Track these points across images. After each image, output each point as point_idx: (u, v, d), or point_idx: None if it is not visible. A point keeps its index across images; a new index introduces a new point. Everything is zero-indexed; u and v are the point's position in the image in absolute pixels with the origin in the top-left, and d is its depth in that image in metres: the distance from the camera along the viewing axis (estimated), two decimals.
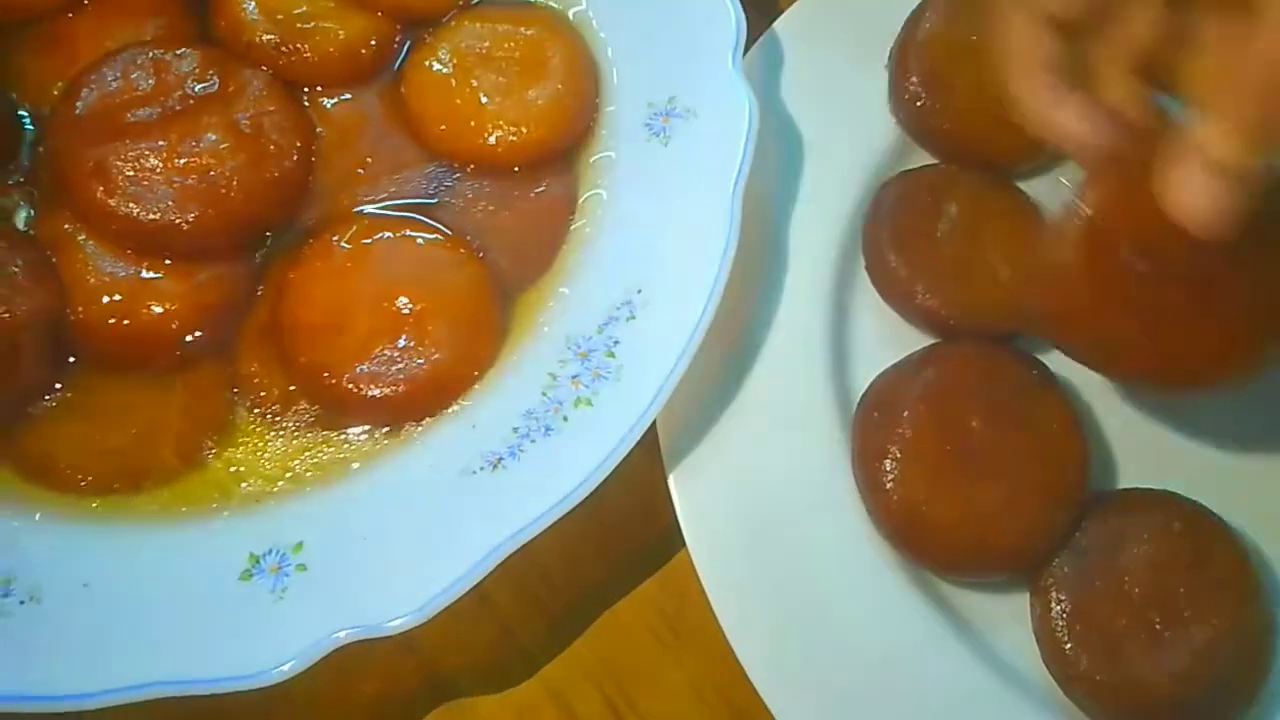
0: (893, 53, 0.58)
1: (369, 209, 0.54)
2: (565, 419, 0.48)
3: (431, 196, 0.54)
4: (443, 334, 0.51)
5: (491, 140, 0.54)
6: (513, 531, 0.45)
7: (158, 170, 0.51)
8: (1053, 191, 0.57)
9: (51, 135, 0.53)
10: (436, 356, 0.50)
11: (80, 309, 0.50)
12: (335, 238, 0.52)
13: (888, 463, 0.48)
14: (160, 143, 0.51)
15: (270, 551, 0.46)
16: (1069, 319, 0.47)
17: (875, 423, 0.50)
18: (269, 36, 0.55)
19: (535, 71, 0.55)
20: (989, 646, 0.49)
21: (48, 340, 0.50)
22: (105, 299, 0.50)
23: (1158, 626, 0.46)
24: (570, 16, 0.58)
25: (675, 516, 0.49)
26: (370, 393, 0.50)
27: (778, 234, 0.55)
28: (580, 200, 0.54)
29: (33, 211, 0.53)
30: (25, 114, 0.55)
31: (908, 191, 0.54)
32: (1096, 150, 0.43)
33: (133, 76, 0.53)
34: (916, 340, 0.53)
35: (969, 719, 0.48)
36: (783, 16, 0.58)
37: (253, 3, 0.56)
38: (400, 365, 0.50)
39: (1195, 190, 0.39)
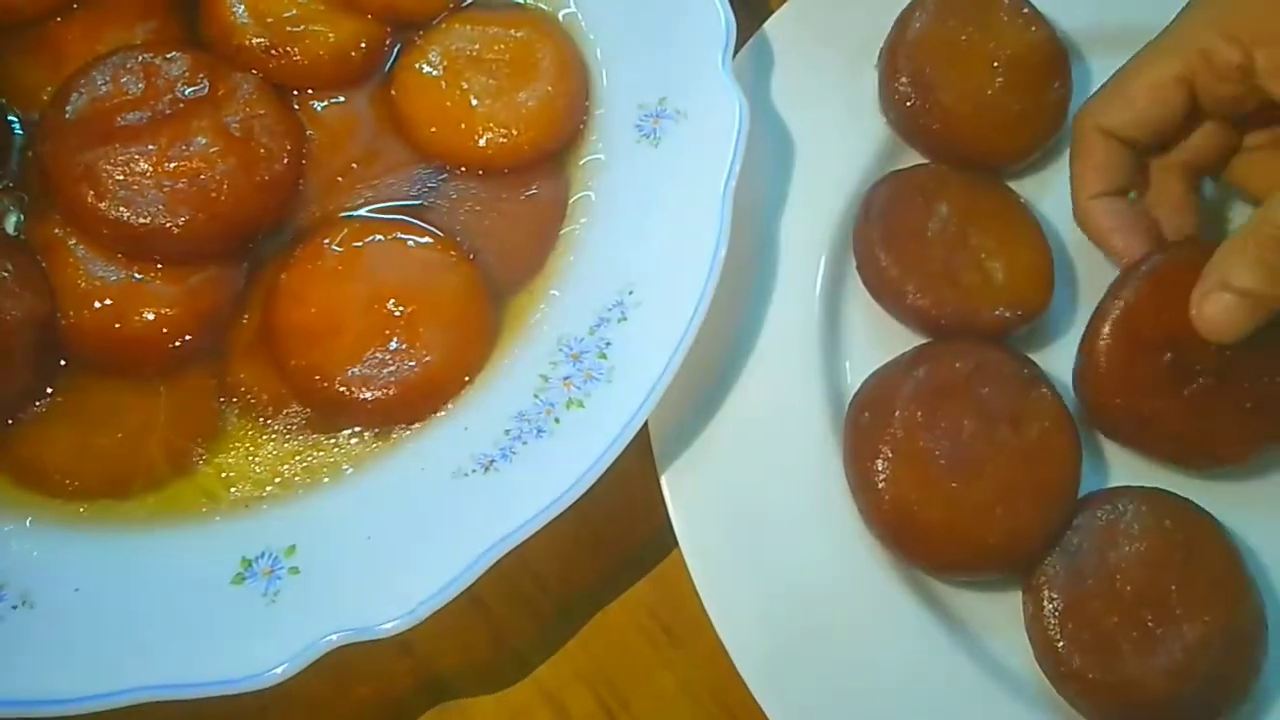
0: (882, 53, 0.58)
1: (360, 211, 0.54)
2: (557, 420, 0.48)
3: (422, 199, 0.54)
4: (434, 336, 0.51)
5: (482, 142, 0.54)
6: (505, 533, 0.45)
7: (148, 174, 0.51)
8: (1042, 191, 0.57)
9: (41, 140, 0.52)
10: (428, 359, 0.50)
11: (71, 313, 0.50)
12: (326, 240, 0.52)
13: (879, 463, 0.48)
14: (150, 146, 0.51)
15: (262, 555, 0.46)
16: (1106, 399, 0.50)
17: (867, 423, 0.50)
18: (258, 40, 0.55)
19: (525, 74, 0.55)
20: (982, 646, 0.49)
21: (39, 345, 0.50)
22: (96, 303, 0.51)
23: (1150, 624, 0.46)
24: (560, 18, 0.58)
25: (667, 517, 0.49)
26: (362, 395, 0.50)
27: (768, 234, 0.55)
28: (571, 201, 0.54)
29: (23, 216, 0.53)
30: (15, 119, 0.55)
31: (898, 191, 0.55)
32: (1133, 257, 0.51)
33: (122, 80, 0.53)
34: (908, 340, 0.53)
35: (963, 719, 0.48)
36: (772, 17, 0.59)
37: (242, 6, 0.56)
38: (392, 368, 0.50)
39: (1214, 306, 0.46)
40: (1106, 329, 0.50)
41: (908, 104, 0.56)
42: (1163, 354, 0.49)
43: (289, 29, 0.56)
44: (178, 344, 0.51)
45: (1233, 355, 0.49)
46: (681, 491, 0.50)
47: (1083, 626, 0.46)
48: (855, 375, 0.53)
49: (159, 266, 0.51)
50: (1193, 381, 0.49)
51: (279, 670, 0.43)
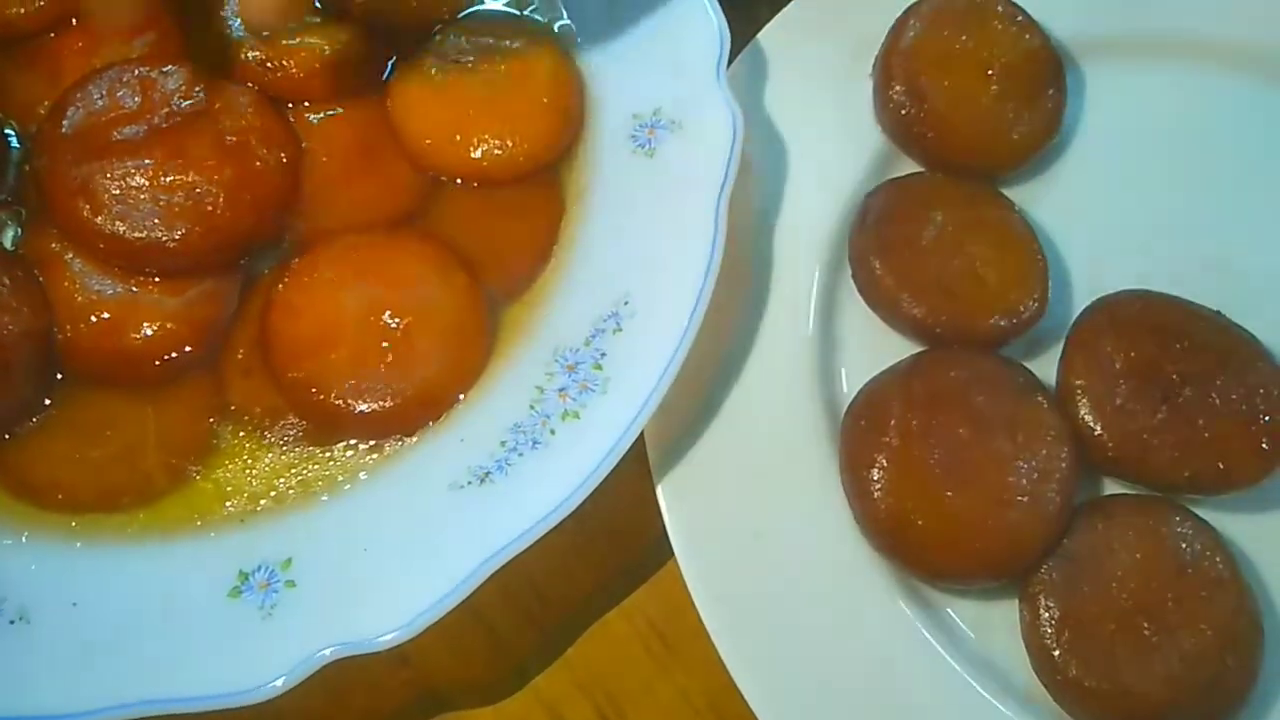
0: (877, 61, 0.58)
1: (355, 223, 0.54)
2: (553, 432, 0.48)
3: (418, 210, 0.54)
4: (430, 348, 0.51)
5: (477, 154, 0.54)
6: (501, 546, 0.45)
7: (144, 188, 0.51)
8: (1037, 198, 0.57)
9: (38, 154, 0.53)
10: (424, 371, 0.50)
11: (68, 327, 0.51)
12: (322, 252, 0.52)
13: (875, 471, 0.49)
14: (146, 160, 0.51)
15: (259, 568, 0.46)
16: (1091, 434, 0.50)
17: (862, 431, 0.50)
18: (254, 53, 0.55)
19: (520, 85, 0.55)
20: (979, 654, 0.49)
21: (36, 359, 0.50)
22: (93, 317, 0.51)
23: (1146, 632, 0.46)
24: (555, 30, 0.58)
25: (664, 527, 0.49)
26: (359, 408, 0.50)
27: (763, 244, 0.55)
28: (566, 212, 0.55)
29: (20, 230, 0.53)
30: (12, 133, 0.55)
31: (893, 199, 0.55)
32: None
33: (119, 94, 0.53)
34: (903, 348, 0.53)
35: None
36: (766, 27, 0.59)
37: (238, 20, 0.56)
38: (388, 380, 0.50)
39: None
40: (1078, 369, 0.51)
41: (902, 112, 0.56)
42: (1135, 378, 0.50)
43: (284, 42, 0.56)
44: (174, 357, 0.51)
45: (1202, 366, 0.50)
46: (677, 501, 0.50)
47: (1079, 634, 0.47)
48: (851, 383, 0.53)
49: (155, 280, 0.51)
50: (1176, 397, 0.50)
51: (277, 684, 0.43)
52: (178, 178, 0.51)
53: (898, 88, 0.56)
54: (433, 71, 0.56)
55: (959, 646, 0.49)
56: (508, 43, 0.56)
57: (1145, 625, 0.46)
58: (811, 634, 0.48)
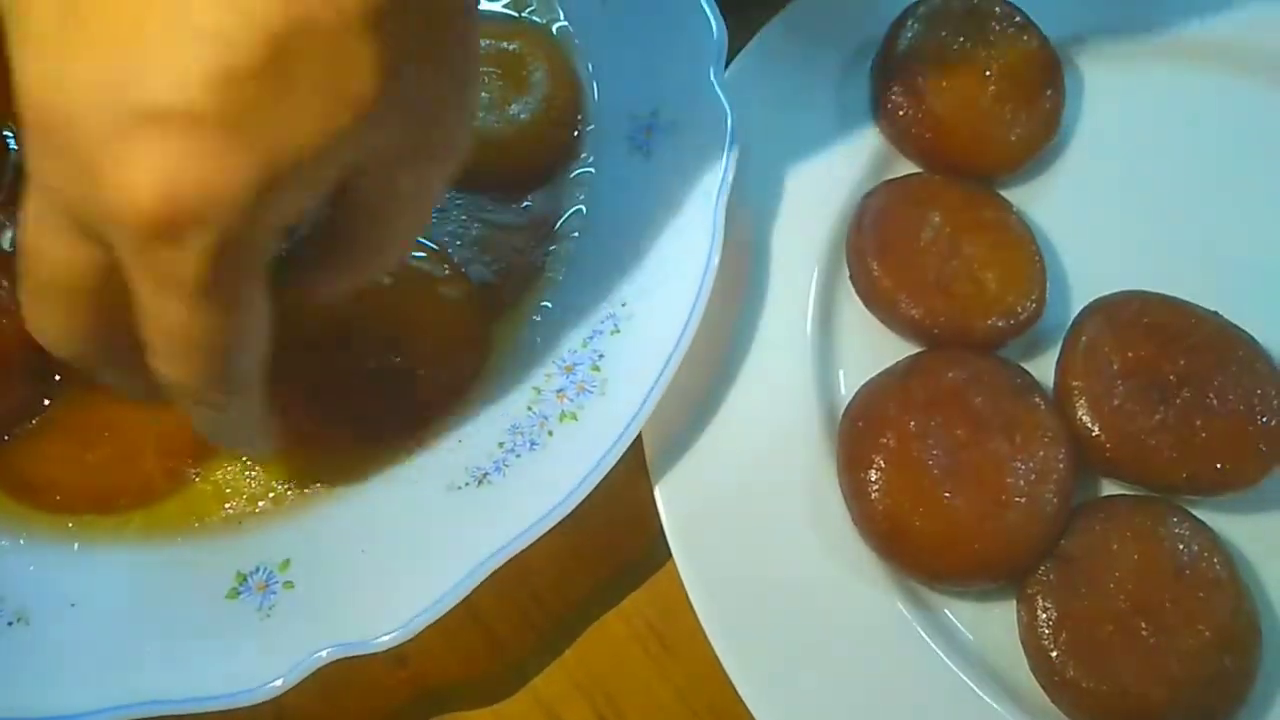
0: (875, 62, 0.58)
1: None
2: (550, 433, 0.48)
3: None
4: (428, 350, 0.51)
5: (474, 155, 0.54)
6: (498, 547, 0.45)
7: None
8: (1035, 200, 0.57)
9: None
10: (422, 373, 0.50)
11: None
12: None
13: (873, 472, 0.49)
14: None
15: (257, 569, 0.46)
16: (1089, 433, 0.50)
17: (860, 432, 0.50)
18: None
19: (517, 86, 0.55)
20: (977, 655, 0.49)
21: (35, 359, 0.50)
22: None
23: (1144, 633, 0.46)
24: (553, 31, 0.58)
25: (661, 528, 0.49)
26: (357, 409, 0.50)
27: (761, 245, 0.55)
28: (563, 214, 0.55)
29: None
30: (9, 134, 0.55)
31: (891, 200, 0.55)
32: None
33: None
34: (901, 349, 0.53)
35: None
36: (765, 28, 0.59)
37: None
38: (386, 381, 0.50)
39: None
40: (1076, 370, 0.51)
41: (900, 113, 0.56)
42: (1133, 379, 0.50)
43: None
44: None
45: (1200, 367, 0.50)
46: (674, 502, 0.50)
47: (1077, 635, 0.46)
48: (849, 384, 0.53)
49: None
50: (1174, 398, 0.50)
51: (276, 684, 0.43)
52: None
53: (896, 89, 0.56)
54: None
55: (957, 648, 0.49)
56: (505, 44, 0.56)
57: (1143, 626, 0.46)
58: (809, 636, 0.48)
